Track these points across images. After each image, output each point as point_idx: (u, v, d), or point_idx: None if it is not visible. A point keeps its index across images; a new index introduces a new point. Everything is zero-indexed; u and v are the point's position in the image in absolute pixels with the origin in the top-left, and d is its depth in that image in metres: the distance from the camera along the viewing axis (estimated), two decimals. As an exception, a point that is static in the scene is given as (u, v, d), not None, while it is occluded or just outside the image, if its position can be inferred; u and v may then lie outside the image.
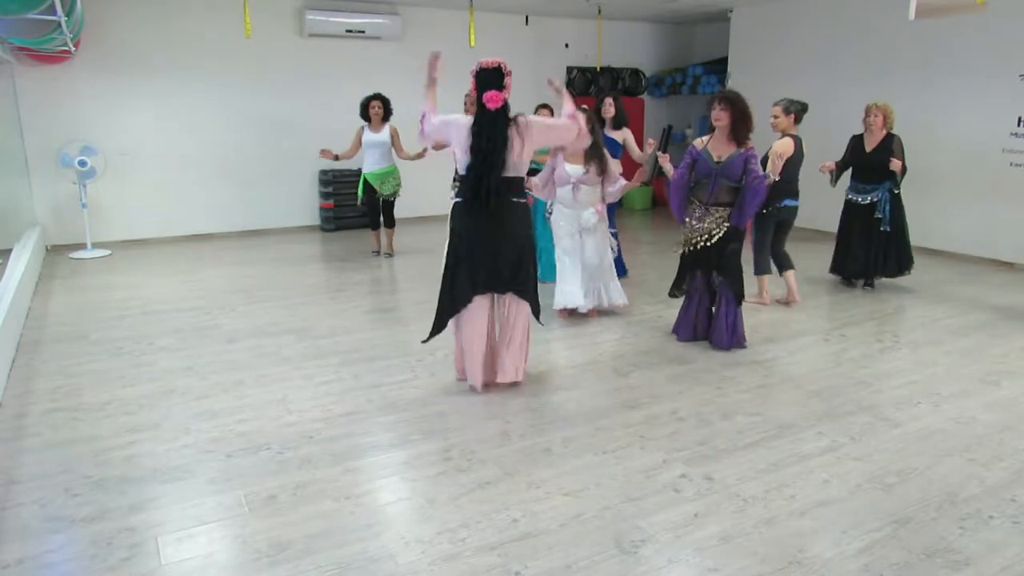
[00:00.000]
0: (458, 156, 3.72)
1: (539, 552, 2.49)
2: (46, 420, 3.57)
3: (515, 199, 3.68)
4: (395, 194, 7.26)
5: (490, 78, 3.53)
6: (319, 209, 9.09)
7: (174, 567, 2.42)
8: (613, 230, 6.37)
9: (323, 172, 8.83)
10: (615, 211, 6.66)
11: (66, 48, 6.27)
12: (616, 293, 5.28)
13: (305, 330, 5.00)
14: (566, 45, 10.31)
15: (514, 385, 3.95)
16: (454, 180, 3.69)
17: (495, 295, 3.84)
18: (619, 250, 6.52)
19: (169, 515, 2.73)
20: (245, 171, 8.59)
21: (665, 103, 11.34)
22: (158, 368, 4.28)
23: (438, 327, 3.84)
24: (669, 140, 10.88)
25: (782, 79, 8.73)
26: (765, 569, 2.41)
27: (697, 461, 3.15)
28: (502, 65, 3.55)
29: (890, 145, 5.72)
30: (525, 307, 3.85)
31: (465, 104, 7.17)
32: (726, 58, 9.82)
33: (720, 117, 4.37)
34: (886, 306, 5.69)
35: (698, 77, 10.36)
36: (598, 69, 10.45)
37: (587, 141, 4.24)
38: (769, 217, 5.39)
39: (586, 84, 10.54)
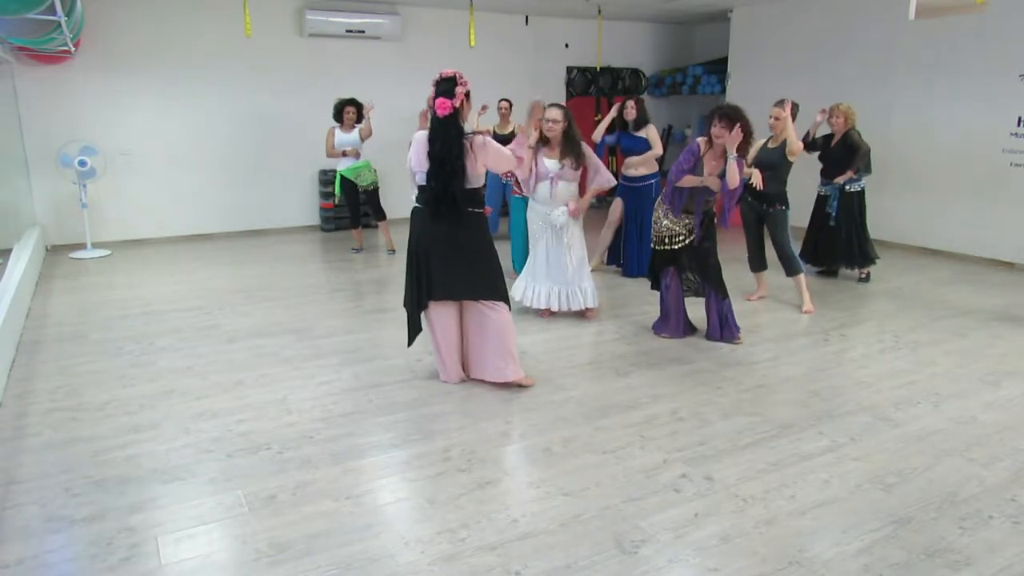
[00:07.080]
0: (415, 170, 3.78)
1: (539, 552, 2.49)
2: (46, 420, 3.57)
3: (471, 209, 3.76)
4: (374, 183, 7.34)
5: (444, 88, 3.64)
6: (319, 209, 9.09)
7: (174, 567, 2.42)
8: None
9: (323, 172, 8.82)
10: (650, 205, 6.54)
11: (66, 48, 6.27)
12: (583, 297, 5.11)
13: (305, 330, 5.00)
14: (566, 45, 10.31)
15: (512, 385, 3.95)
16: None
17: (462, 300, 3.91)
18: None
19: (169, 515, 2.73)
20: (245, 171, 8.59)
21: (665, 103, 11.34)
22: (158, 368, 4.29)
23: (414, 328, 3.98)
24: (669, 140, 10.90)
25: (782, 79, 8.73)
26: (765, 569, 2.41)
27: (697, 461, 3.16)
28: (457, 75, 3.65)
29: (847, 138, 6.07)
30: (496, 311, 3.87)
31: (499, 111, 7.78)
32: (726, 58, 9.82)
33: (722, 135, 4.35)
34: (886, 306, 5.69)
35: (698, 77, 10.36)
36: (598, 69, 10.46)
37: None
38: (786, 214, 5.48)
39: (586, 84, 10.55)
